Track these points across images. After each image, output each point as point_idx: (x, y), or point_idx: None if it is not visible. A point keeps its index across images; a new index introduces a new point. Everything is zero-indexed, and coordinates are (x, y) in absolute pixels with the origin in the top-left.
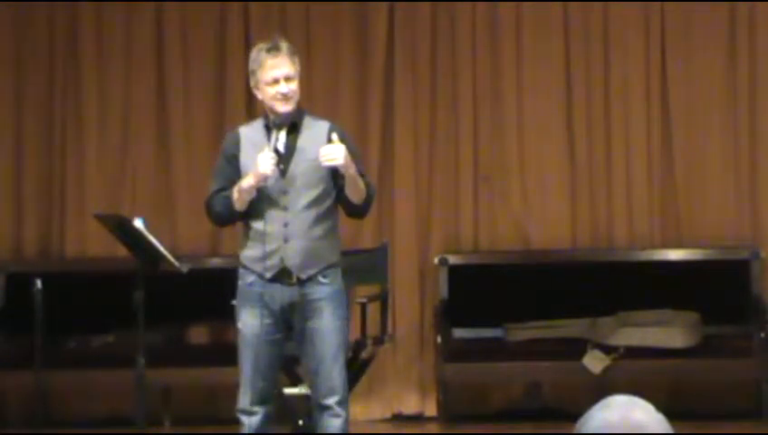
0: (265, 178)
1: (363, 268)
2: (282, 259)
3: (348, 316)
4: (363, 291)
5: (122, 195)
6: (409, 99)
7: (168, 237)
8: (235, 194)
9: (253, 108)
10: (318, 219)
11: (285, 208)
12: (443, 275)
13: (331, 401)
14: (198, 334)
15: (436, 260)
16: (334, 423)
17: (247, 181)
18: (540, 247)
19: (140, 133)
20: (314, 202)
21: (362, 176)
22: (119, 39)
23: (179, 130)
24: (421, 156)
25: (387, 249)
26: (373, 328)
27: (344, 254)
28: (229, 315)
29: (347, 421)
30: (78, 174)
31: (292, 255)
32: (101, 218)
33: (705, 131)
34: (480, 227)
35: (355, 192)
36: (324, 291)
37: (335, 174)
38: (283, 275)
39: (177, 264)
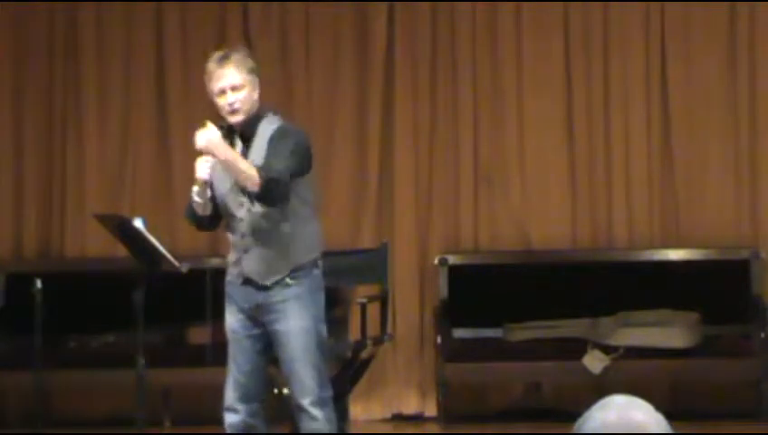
0: (203, 182)
1: (363, 268)
2: (243, 268)
3: (321, 316)
4: (363, 291)
5: (122, 195)
6: (409, 99)
7: (168, 237)
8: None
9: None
10: (276, 225)
11: (242, 220)
12: (443, 275)
13: (305, 401)
14: (198, 334)
15: (436, 260)
16: (312, 426)
17: (192, 189)
18: (540, 247)
19: (140, 133)
20: (270, 210)
21: (267, 159)
22: (119, 39)
23: (179, 130)
24: (421, 156)
25: (387, 249)
26: (373, 328)
27: (344, 254)
28: None
29: (329, 421)
30: (78, 174)
31: (252, 264)
32: (101, 218)
33: (705, 132)
34: (480, 227)
35: (239, 179)
36: (289, 293)
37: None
38: (249, 281)
39: (177, 264)
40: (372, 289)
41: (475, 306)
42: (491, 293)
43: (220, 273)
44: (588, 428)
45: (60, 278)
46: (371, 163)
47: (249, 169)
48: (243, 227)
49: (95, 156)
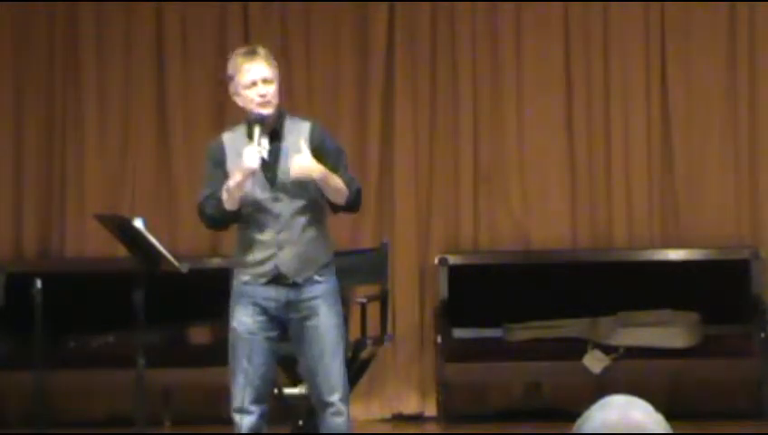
0: (252, 172)
1: (363, 268)
2: (276, 266)
3: (343, 314)
4: (363, 291)
5: (122, 195)
6: (409, 99)
7: (168, 237)
8: (224, 194)
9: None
10: (310, 223)
11: (278, 216)
12: (443, 275)
13: (333, 398)
14: (198, 334)
15: (436, 260)
16: (337, 422)
17: (234, 178)
18: (540, 247)
19: (140, 133)
20: (305, 207)
21: (337, 172)
22: (119, 39)
23: (179, 130)
24: (421, 156)
25: (387, 249)
26: (373, 328)
27: (344, 254)
28: (229, 315)
29: (350, 419)
30: (78, 174)
31: (287, 261)
32: (101, 218)
33: (705, 131)
34: (480, 227)
35: (334, 196)
36: (320, 289)
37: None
38: (278, 279)
39: (177, 264)
40: (372, 289)
41: (475, 306)
42: (491, 293)
43: (220, 273)
44: (588, 428)
45: (60, 278)
46: (371, 163)
47: (341, 184)
48: (279, 223)
49: (95, 156)
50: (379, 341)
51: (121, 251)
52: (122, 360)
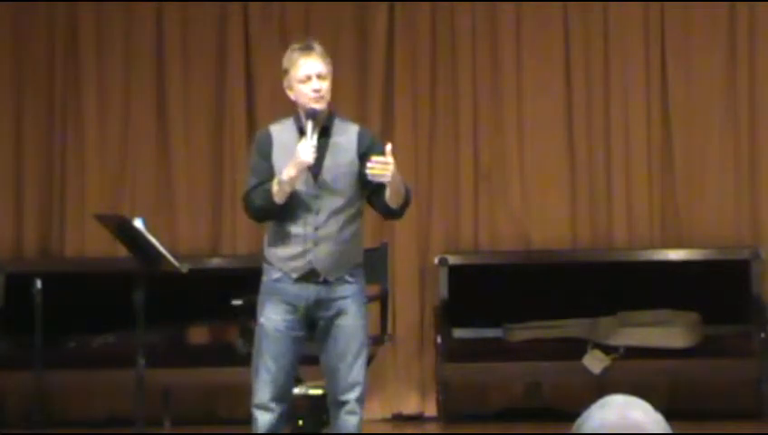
0: (307, 166)
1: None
2: (311, 262)
3: (368, 316)
4: None
5: (122, 195)
6: (409, 99)
7: (168, 237)
8: (275, 187)
9: (253, 108)
10: (347, 222)
11: (317, 212)
12: (443, 275)
13: (351, 396)
14: (198, 334)
15: (436, 260)
16: (351, 421)
17: (287, 172)
18: (540, 247)
19: (140, 133)
20: (345, 206)
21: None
22: (119, 39)
23: (179, 130)
24: (421, 156)
25: (386, 249)
26: (373, 328)
27: None
28: (229, 315)
29: (361, 421)
30: (78, 174)
31: (322, 257)
32: (101, 218)
33: (705, 131)
34: (480, 227)
35: (396, 198)
36: (350, 289)
37: (366, 178)
38: (310, 276)
39: (177, 264)
40: (372, 289)
41: (475, 306)
42: (491, 293)
43: (220, 273)
44: (587, 427)
45: (60, 278)
46: None
47: (403, 188)
48: (318, 220)
49: (95, 156)
50: (379, 341)
51: (121, 251)
52: (122, 360)
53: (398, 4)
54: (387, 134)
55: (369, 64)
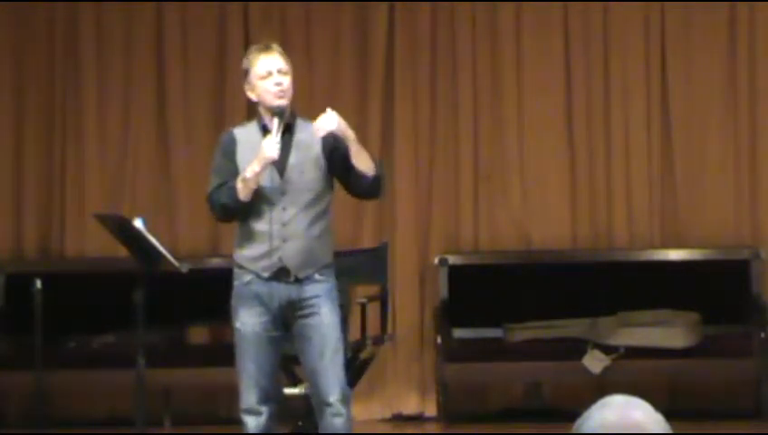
0: (271, 162)
1: (363, 268)
2: (280, 259)
3: (342, 314)
4: (363, 291)
5: (122, 195)
6: (409, 99)
7: (168, 237)
8: (239, 184)
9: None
10: (315, 219)
11: (284, 209)
12: (443, 275)
13: (333, 398)
14: (198, 334)
15: (436, 260)
16: (336, 423)
17: (251, 168)
18: (540, 247)
19: (140, 133)
20: (312, 202)
21: None
22: (119, 39)
23: (179, 130)
24: (421, 156)
25: (387, 249)
26: (373, 328)
27: (344, 254)
28: (229, 315)
29: (350, 420)
30: (78, 174)
31: (292, 254)
32: (101, 218)
33: (705, 131)
34: (480, 227)
35: (362, 160)
36: (321, 288)
37: (335, 164)
38: (280, 274)
39: (177, 264)
40: (372, 289)
41: (475, 306)
42: (491, 293)
43: (220, 273)
44: (587, 427)
45: (60, 278)
46: None
47: (367, 154)
48: (285, 216)
49: (95, 156)
50: (379, 341)
51: (121, 251)
52: (122, 360)
53: (398, 4)
54: (387, 134)
55: (369, 64)
